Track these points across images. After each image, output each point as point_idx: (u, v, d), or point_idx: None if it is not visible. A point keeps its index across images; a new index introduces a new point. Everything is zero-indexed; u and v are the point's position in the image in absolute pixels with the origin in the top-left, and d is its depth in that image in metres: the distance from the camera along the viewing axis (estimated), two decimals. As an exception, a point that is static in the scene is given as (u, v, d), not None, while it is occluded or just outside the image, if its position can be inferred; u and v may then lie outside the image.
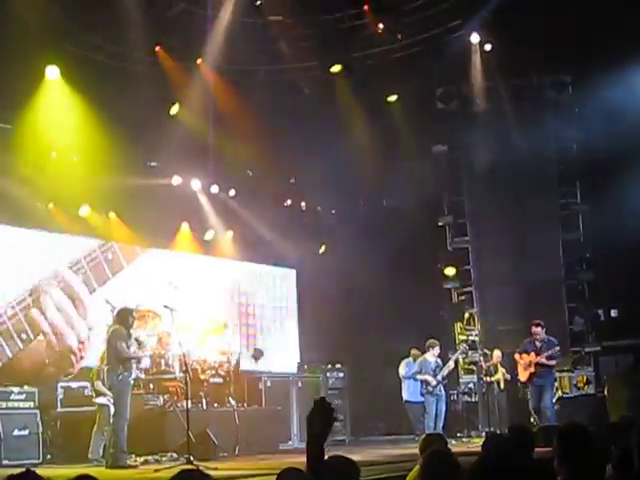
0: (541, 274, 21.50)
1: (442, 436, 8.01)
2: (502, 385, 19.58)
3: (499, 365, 19.63)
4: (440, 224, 23.29)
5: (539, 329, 17.84)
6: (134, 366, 14.84)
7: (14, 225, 18.60)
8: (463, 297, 22.99)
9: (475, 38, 20.71)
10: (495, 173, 21.94)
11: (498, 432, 16.07)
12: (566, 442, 5.76)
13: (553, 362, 17.84)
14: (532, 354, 17.71)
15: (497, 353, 19.65)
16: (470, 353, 20.48)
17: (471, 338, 21.15)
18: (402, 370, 19.10)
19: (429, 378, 18.18)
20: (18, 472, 4.29)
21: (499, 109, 21.85)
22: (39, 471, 4.28)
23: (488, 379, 19.32)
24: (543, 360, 17.62)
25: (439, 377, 18.26)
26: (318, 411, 5.34)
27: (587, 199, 22.01)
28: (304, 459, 5.27)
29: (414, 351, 19.02)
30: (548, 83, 22.18)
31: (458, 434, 20.03)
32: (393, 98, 21.31)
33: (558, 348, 17.79)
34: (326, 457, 5.47)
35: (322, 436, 5.33)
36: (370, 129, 20.79)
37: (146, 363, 16.38)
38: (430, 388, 18.15)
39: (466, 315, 22.62)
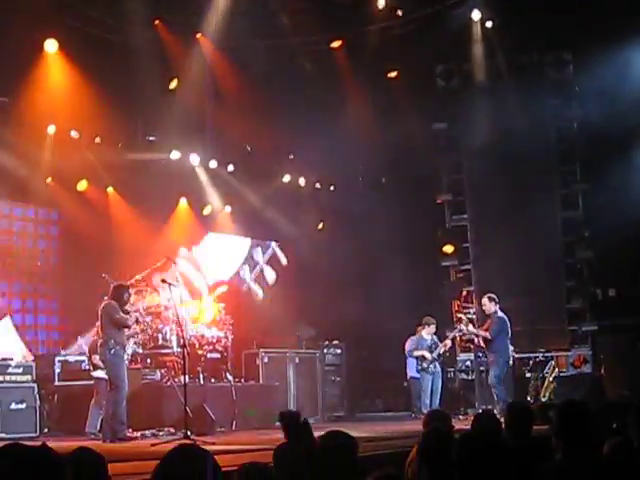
0: (540, 252, 21.46)
1: (446, 413, 8.01)
2: None
3: None
4: (439, 201, 23.25)
5: (485, 300, 17.71)
6: (131, 341, 14.88)
7: (12, 200, 18.61)
8: (461, 275, 22.97)
9: (476, 15, 20.60)
10: (495, 151, 21.85)
11: (492, 409, 16.06)
12: (565, 419, 5.74)
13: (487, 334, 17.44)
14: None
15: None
16: (465, 329, 20.47)
17: (469, 316, 21.13)
18: (407, 346, 19.04)
19: (426, 354, 18.20)
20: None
21: (499, 87, 21.76)
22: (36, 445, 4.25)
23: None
24: (482, 333, 17.46)
25: (434, 354, 18.30)
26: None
27: (587, 178, 21.95)
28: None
29: (419, 328, 18.98)
30: (549, 61, 22.09)
31: (455, 412, 20.06)
32: (393, 74, 21.24)
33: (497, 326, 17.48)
34: (324, 432, 5.46)
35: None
36: (370, 105, 20.72)
37: (141, 337, 16.37)
38: (425, 365, 18.18)
39: (464, 293, 22.62)
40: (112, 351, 13.81)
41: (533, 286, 21.08)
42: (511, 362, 17.97)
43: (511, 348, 17.89)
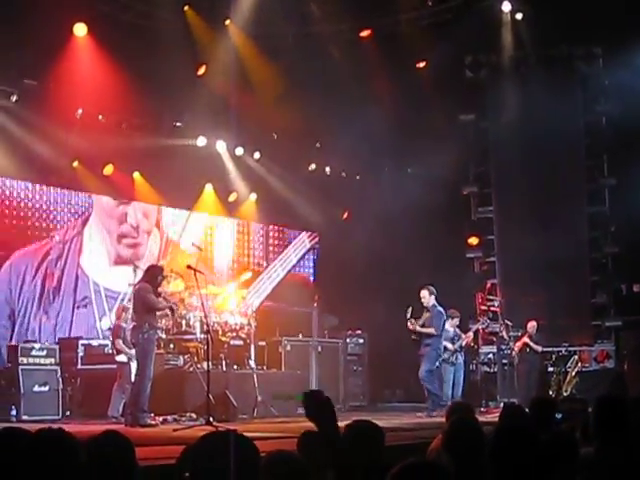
0: (565, 246, 21.32)
1: (469, 404, 7.99)
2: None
3: (527, 334, 19.65)
4: (465, 193, 23.21)
5: (424, 292, 17.40)
6: (161, 322, 14.87)
7: (39, 183, 18.68)
8: (485, 267, 22.94)
9: (507, 6, 20.54)
10: (522, 144, 21.78)
11: (516, 403, 16.02)
12: (604, 412, 5.71)
13: (431, 331, 17.22)
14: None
15: (532, 323, 19.67)
16: (490, 323, 20.43)
17: (492, 308, 21.09)
18: None
19: (448, 345, 18.17)
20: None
21: (528, 79, 21.69)
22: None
23: (517, 347, 19.40)
24: (426, 331, 17.22)
25: (456, 346, 18.28)
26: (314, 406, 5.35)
27: (614, 173, 21.84)
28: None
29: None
30: (578, 55, 21.98)
31: (476, 404, 20.04)
32: (422, 65, 21.17)
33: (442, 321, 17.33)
34: (350, 421, 5.46)
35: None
36: (398, 95, 20.65)
37: (166, 323, 16.40)
38: (446, 355, 18.14)
39: (488, 285, 22.57)
40: (145, 335, 13.70)
41: (557, 280, 20.97)
42: (443, 356, 17.72)
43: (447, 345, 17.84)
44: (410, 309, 17.19)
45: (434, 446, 6.32)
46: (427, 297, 17.33)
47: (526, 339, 19.59)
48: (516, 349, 19.47)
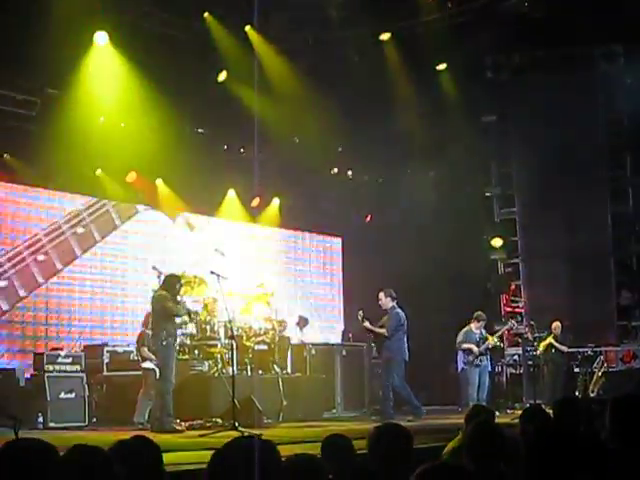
0: (589, 246, 21.30)
1: (489, 408, 7.98)
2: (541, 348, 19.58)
3: (552, 335, 19.60)
4: (488, 194, 23.17)
5: (381, 295, 17.13)
6: (178, 332, 14.92)
7: (62, 191, 18.75)
8: (509, 269, 22.89)
9: (526, 6, 20.46)
10: (544, 144, 21.73)
11: (543, 404, 15.96)
12: (621, 412, 5.68)
13: (383, 331, 16.86)
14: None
15: (557, 323, 19.61)
16: (516, 325, 20.37)
17: (517, 310, 21.04)
18: (457, 339, 18.88)
19: (473, 347, 18.12)
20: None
21: (549, 79, 21.63)
22: (84, 434, 4.34)
23: (542, 347, 19.35)
24: (379, 330, 16.93)
25: (481, 348, 18.22)
26: None
27: (637, 172, 21.76)
28: (348, 427, 5.31)
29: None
30: (600, 53, 21.90)
31: (502, 406, 19.97)
32: (442, 67, 21.13)
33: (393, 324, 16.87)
34: (378, 424, 5.47)
35: None
36: (418, 98, 20.64)
37: (191, 329, 16.45)
38: (471, 358, 18.09)
39: (512, 287, 22.52)
40: (164, 342, 13.82)
41: (582, 280, 20.92)
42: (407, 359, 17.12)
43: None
44: (361, 312, 17.07)
45: (449, 448, 6.33)
46: (384, 299, 17.07)
47: (551, 340, 19.54)
48: (541, 349, 19.43)
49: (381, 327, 16.99)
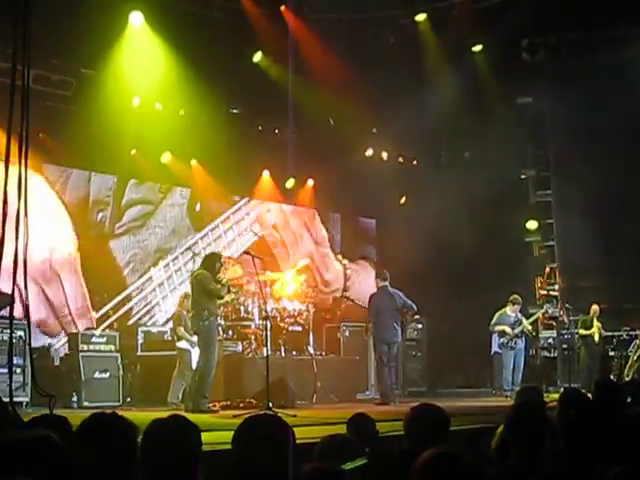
0: (626, 230, 21.09)
1: (537, 389, 7.93)
2: (597, 339, 19.44)
3: (595, 319, 19.48)
4: (523, 177, 23.02)
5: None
6: (220, 309, 14.89)
7: (97, 171, 18.81)
8: (544, 251, 22.76)
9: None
10: (580, 126, 21.51)
11: (578, 387, 15.87)
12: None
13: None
14: None
15: (595, 307, 19.50)
16: (551, 308, 20.27)
17: (552, 293, 20.92)
18: (492, 321, 18.81)
19: (506, 329, 18.05)
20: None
21: (585, 60, 21.40)
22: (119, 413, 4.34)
23: (582, 332, 19.24)
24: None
25: (516, 331, 18.14)
26: None
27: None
28: (381, 409, 5.29)
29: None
30: (637, 35, 21.62)
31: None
32: (478, 48, 20.98)
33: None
34: (414, 404, 5.43)
35: None
36: (454, 79, 20.51)
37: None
38: (504, 340, 18.02)
39: (547, 270, 22.38)
40: (206, 322, 13.78)
41: (618, 264, 20.74)
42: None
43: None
44: None
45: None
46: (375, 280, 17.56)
47: (598, 325, 19.41)
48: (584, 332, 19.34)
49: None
